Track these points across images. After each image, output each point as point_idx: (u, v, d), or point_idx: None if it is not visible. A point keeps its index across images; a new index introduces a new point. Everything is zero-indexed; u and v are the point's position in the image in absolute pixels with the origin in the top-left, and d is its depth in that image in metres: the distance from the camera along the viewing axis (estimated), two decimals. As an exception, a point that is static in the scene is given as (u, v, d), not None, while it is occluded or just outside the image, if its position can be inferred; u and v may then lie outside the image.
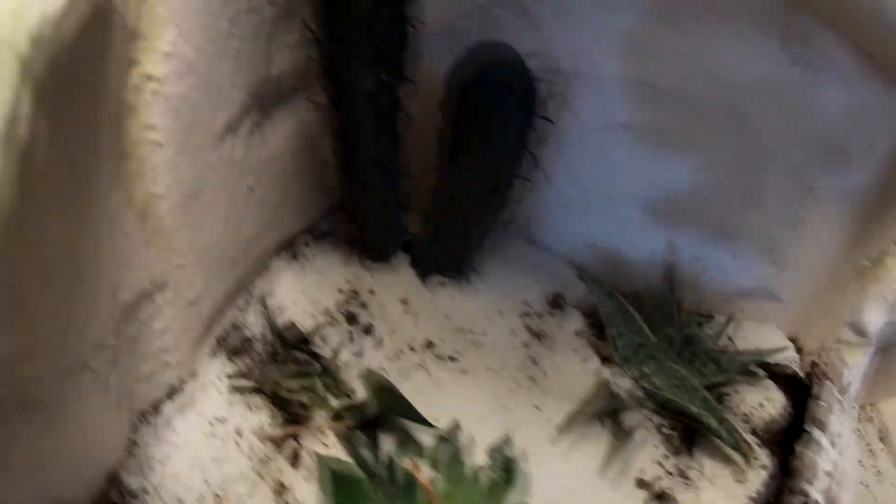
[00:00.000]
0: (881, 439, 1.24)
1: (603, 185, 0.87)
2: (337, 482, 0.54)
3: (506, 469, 0.61)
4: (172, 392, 0.66)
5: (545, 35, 0.78)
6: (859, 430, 1.27)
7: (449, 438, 0.62)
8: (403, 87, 0.67)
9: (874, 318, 0.97)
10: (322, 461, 0.55)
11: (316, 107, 0.70)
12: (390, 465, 0.57)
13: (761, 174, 0.87)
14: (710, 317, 0.93)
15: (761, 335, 0.94)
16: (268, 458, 0.64)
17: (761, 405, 0.84)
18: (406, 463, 0.56)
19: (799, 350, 0.96)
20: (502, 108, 0.64)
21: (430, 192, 0.77)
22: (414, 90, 0.69)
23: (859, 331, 0.98)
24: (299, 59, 0.69)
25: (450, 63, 0.68)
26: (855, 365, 1.00)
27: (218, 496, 0.61)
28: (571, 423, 0.69)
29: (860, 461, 1.23)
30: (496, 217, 0.76)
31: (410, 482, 0.56)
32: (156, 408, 0.65)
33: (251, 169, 0.69)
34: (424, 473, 0.60)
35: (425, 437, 0.65)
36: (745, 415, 0.82)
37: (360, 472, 0.56)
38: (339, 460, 0.56)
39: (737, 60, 0.77)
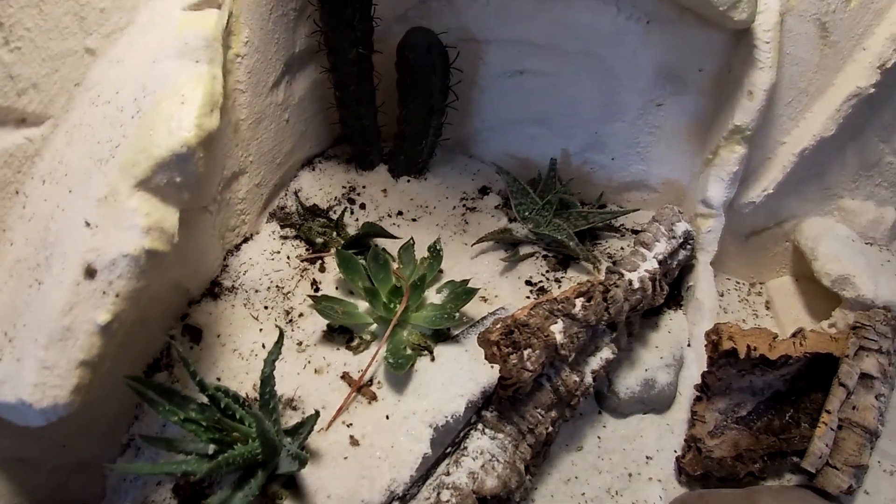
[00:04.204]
0: (767, 307, 1.63)
1: (512, 113, 1.32)
2: (344, 260, 1.03)
3: (435, 255, 1.08)
4: (247, 239, 1.16)
5: (462, 17, 1.23)
6: (747, 300, 1.67)
7: (407, 246, 1.10)
8: (373, 55, 1.15)
9: (716, 194, 1.40)
10: (338, 252, 1.03)
11: (323, 70, 1.18)
12: (375, 256, 1.05)
13: (620, 95, 1.30)
14: (603, 205, 1.37)
15: (637, 217, 1.38)
16: (306, 269, 1.13)
17: (622, 249, 1.29)
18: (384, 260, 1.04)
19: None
20: (424, 61, 1.11)
21: (395, 121, 1.24)
22: (380, 57, 1.16)
23: (708, 204, 1.42)
24: (312, 42, 1.18)
25: (399, 38, 1.15)
26: (707, 229, 1.43)
27: (278, 286, 1.10)
28: (482, 241, 1.16)
29: (744, 320, 1.61)
30: (437, 133, 1.23)
31: (385, 264, 1.04)
32: (237, 247, 1.15)
33: (287, 108, 1.18)
34: (393, 265, 1.07)
35: (394, 249, 1.13)
36: (610, 253, 1.28)
37: (357, 258, 1.04)
38: (347, 253, 1.05)
39: (588, 20, 1.19)
